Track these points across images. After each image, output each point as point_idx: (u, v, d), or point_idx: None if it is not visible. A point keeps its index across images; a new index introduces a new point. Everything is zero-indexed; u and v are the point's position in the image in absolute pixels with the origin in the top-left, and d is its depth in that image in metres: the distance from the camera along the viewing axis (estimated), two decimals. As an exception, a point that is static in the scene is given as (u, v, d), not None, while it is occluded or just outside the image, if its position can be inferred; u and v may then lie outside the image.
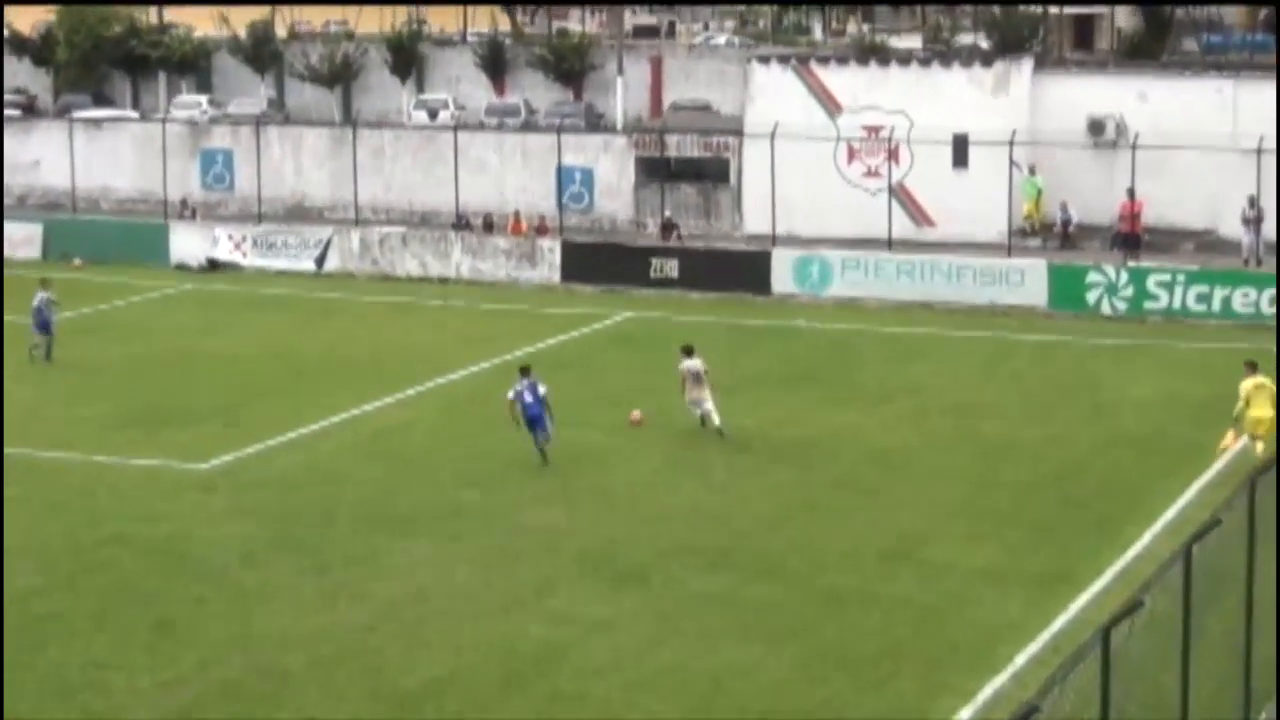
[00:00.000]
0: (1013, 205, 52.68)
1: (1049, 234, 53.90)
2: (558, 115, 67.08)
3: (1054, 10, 79.89)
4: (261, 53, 77.12)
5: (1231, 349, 38.85)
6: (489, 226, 57.05)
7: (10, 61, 78.25)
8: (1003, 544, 27.68)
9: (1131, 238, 50.19)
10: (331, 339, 45.13)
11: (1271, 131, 49.25)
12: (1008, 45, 65.63)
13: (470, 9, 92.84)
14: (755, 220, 55.65)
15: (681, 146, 59.75)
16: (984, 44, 71.21)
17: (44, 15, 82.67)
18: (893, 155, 54.11)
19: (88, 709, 21.92)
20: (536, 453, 32.19)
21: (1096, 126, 54.01)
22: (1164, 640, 15.14)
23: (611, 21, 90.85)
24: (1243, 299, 45.27)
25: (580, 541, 28.04)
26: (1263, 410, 30.89)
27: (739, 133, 57.97)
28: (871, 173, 55.31)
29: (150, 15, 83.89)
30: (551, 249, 52.91)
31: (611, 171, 60.34)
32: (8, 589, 25.65)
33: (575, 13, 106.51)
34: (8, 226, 58.35)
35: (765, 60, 59.44)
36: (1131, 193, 50.10)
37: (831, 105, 56.41)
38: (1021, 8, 74.74)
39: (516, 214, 57.45)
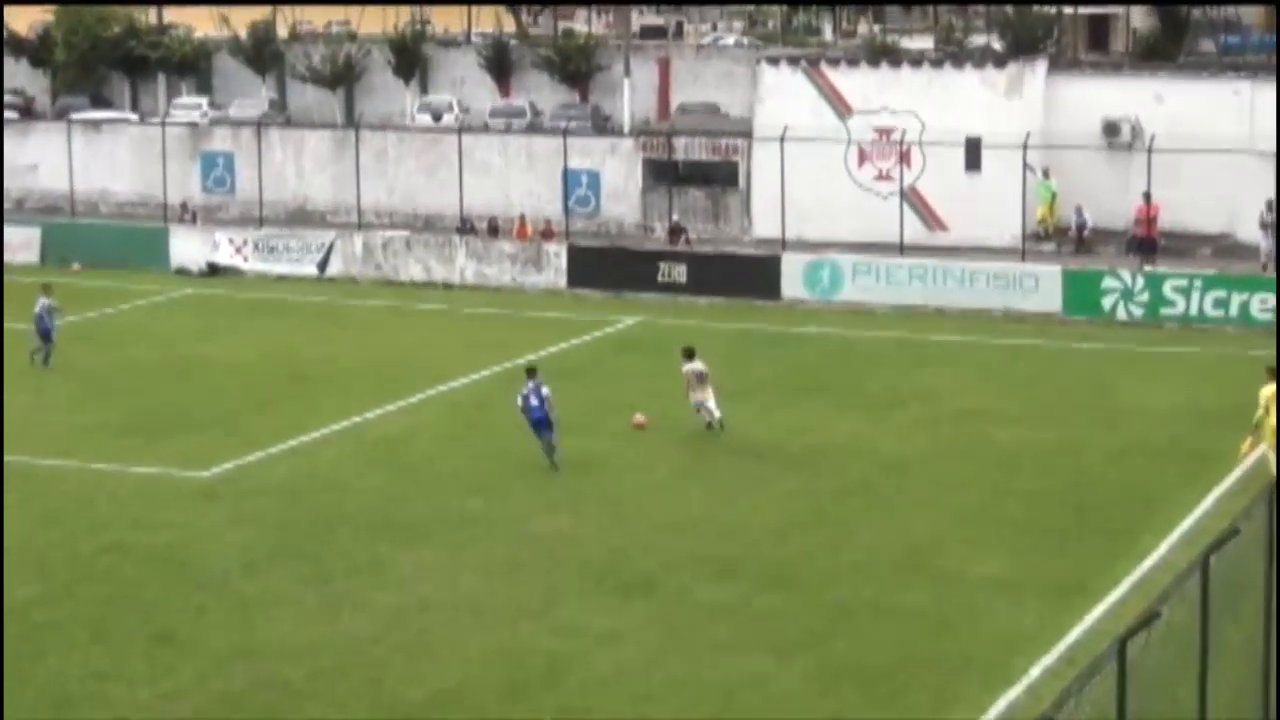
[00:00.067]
0: (1026, 209, 52.38)
1: (1063, 238, 53.62)
2: (564, 117, 66.84)
3: (1068, 10, 79.61)
4: (263, 54, 76.83)
5: (1250, 356, 38.67)
6: (494, 230, 56.80)
7: (7, 63, 77.85)
8: (1016, 554, 27.55)
9: (1147, 242, 49.90)
10: (334, 345, 44.95)
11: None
12: (1021, 46, 65.33)
13: (474, 9, 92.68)
14: (764, 224, 55.39)
15: (689, 149, 59.49)
16: (997, 45, 71.00)
17: (42, 15, 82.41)
18: (904, 158, 53.72)
19: (86, 721, 21.86)
20: (543, 457, 32.16)
21: (1112, 129, 53.70)
22: (1181, 652, 15.07)
23: (618, 22, 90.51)
24: (1261, 305, 44.91)
25: (587, 551, 27.93)
26: (1283, 418, 30.50)
27: (748, 135, 57.76)
28: (883, 176, 54.99)
29: (149, 15, 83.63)
30: (557, 253, 52.64)
31: (618, 174, 60.10)
32: (6, 598, 25.54)
33: (581, 13, 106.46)
34: (5, 231, 58.05)
35: (775, 61, 59.15)
36: (1147, 196, 49.81)
37: (842, 107, 56.13)
38: (1035, 8, 74.45)
39: (522, 218, 57.24)
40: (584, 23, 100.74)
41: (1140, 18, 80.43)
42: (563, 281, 52.05)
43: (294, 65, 75.61)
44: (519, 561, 27.33)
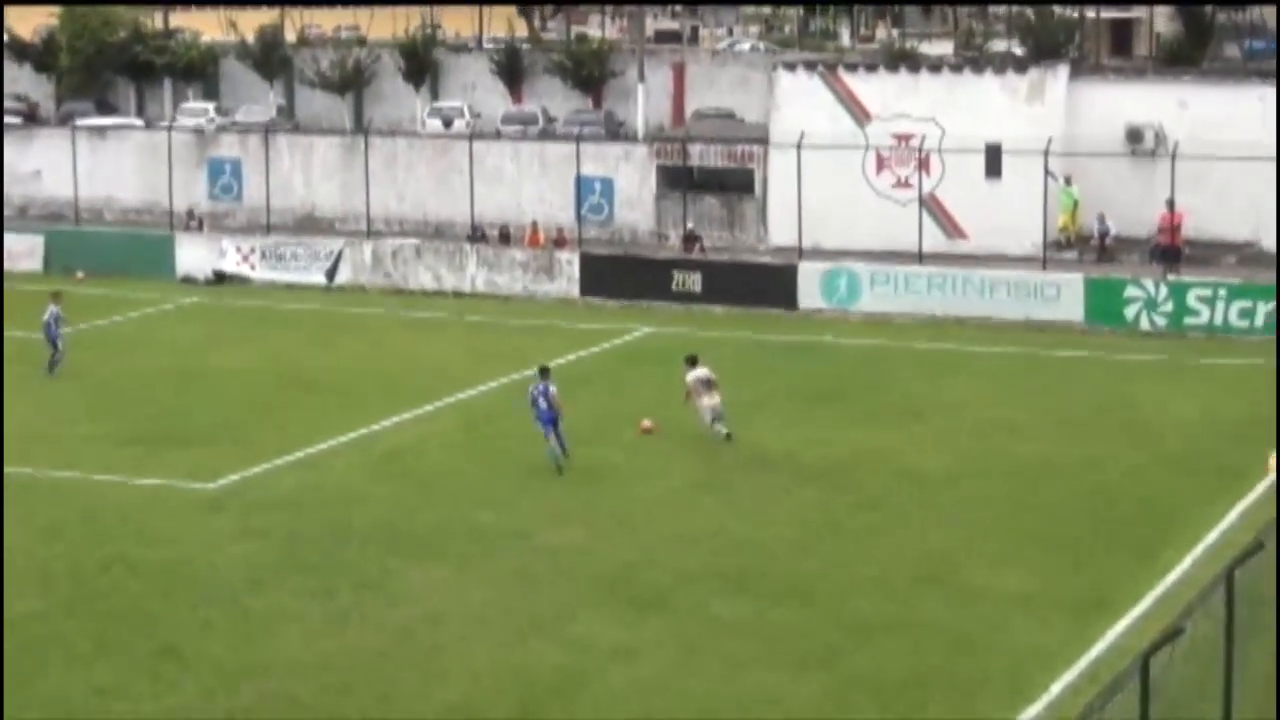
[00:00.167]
0: (1048, 217, 52.10)
1: (1086, 246, 53.45)
2: (576, 123, 66.71)
3: (1090, 14, 79.40)
4: (270, 59, 76.85)
5: (1275, 366, 38.29)
6: (505, 238, 56.70)
7: (11, 67, 78.00)
8: (1037, 568, 27.37)
9: (1171, 250, 49.72)
10: (342, 354, 44.85)
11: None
12: (1042, 51, 65.26)
13: (486, 13, 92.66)
14: (781, 232, 55.19)
15: (705, 156, 59.36)
16: (1018, 50, 71.08)
17: (46, 20, 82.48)
18: (923, 165, 53.50)
19: (89, 738, 21.82)
20: (550, 460, 32.27)
21: (1135, 135, 53.51)
22: (1205, 668, 15.11)
23: (632, 26, 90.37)
24: (1286, 314, 44.66)
25: (600, 564, 27.78)
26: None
27: (764, 141, 57.62)
28: (901, 183, 54.76)
29: (155, 20, 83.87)
30: (570, 261, 52.40)
31: (632, 181, 59.99)
32: (7, 612, 25.40)
33: (595, 17, 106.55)
34: (8, 238, 57.98)
35: (791, 67, 58.98)
36: (1171, 204, 49.69)
37: (860, 113, 55.91)
38: (1057, 12, 74.25)
39: (534, 225, 57.11)
40: (597, 27, 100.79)
41: (1164, 22, 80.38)
42: (575, 290, 51.81)
43: (302, 70, 75.60)
44: (531, 575, 27.17)
